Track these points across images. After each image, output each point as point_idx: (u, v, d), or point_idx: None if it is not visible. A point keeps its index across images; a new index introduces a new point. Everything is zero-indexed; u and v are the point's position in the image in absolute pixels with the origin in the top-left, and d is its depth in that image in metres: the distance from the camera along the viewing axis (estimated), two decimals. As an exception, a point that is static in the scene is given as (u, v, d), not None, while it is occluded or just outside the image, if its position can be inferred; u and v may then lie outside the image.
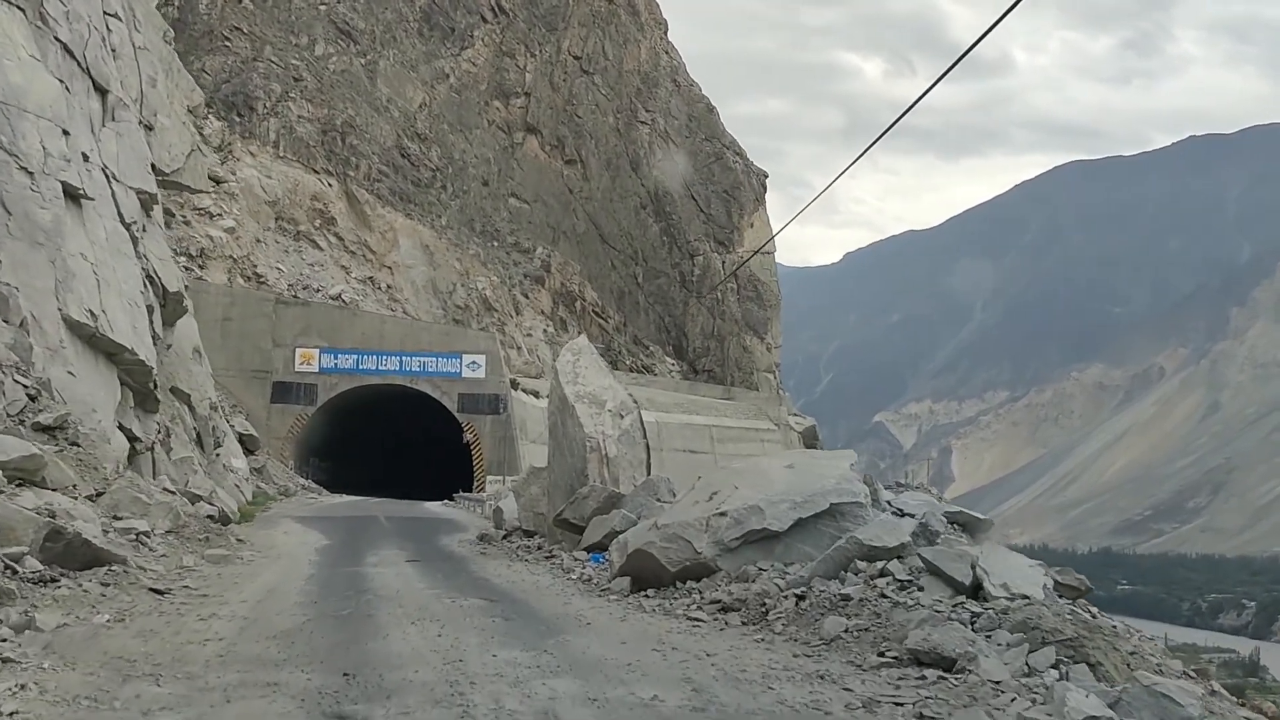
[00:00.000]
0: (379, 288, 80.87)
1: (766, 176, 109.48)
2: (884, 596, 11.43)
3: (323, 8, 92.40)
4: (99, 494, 15.04)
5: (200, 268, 66.52)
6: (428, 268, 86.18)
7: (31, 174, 20.51)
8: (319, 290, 71.50)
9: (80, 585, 11.54)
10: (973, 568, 11.27)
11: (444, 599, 13.46)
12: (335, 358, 56.49)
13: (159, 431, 23.85)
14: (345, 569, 16.83)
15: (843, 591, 11.65)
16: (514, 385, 61.11)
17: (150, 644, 9.63)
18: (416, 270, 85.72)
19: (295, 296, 63.42)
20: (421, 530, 27.45)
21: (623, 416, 18.33)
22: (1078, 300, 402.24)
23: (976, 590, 11.11)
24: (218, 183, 74.42)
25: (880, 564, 11.98)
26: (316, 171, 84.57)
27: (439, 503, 49.65)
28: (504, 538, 22.52)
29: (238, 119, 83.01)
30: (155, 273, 23.91)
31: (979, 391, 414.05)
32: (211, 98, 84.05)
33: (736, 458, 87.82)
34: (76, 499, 14.10)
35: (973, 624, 10.33)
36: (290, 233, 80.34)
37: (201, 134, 79.38)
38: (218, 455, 36.22)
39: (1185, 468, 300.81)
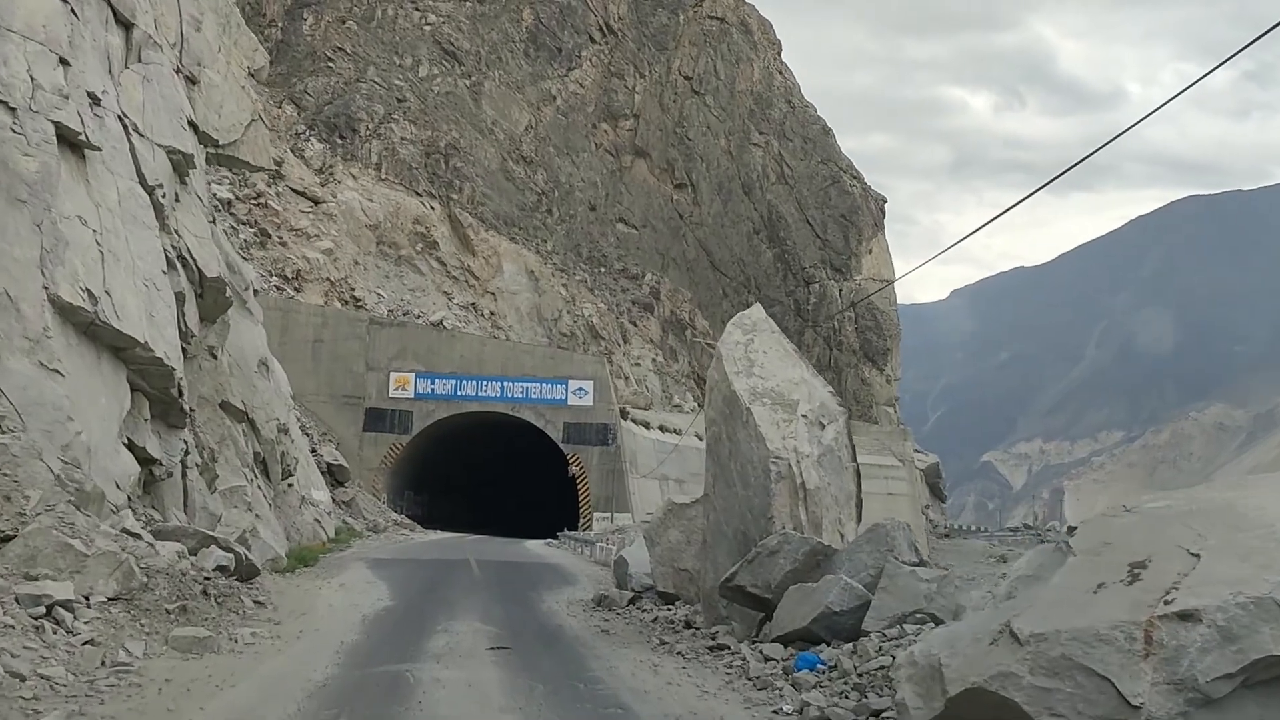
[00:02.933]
0: (481, 314, 76.11)
1: (885, 202, 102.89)
2: None
3: (427, 28, 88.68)
4: (5, 539, 9.70)
5: (296, 290, 62.28)
6: (532, 294, 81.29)
7: (13, 110, 15.40)
8: (419, 316, 66.87)
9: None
10: None
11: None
12: (432, 383, 51.40)
13: (188, 452, 18.52)
14: (388, 667, 10.99)
15: None
16: (623, 414, 55.46)
17: None
18: (521, 296, 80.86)
19: (389, 313, 58.73)
20: (519, 582, 21.70)
21: (823, 425, 12.03)
22: (1196, 338, 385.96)
23: None
24: (316, 203, 70.48)
25: None
26: (419, 194, 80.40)
27: (541, 542, 44.07)
28: (631, 602, 16.63)
29: (339, 141, 79.26)
30: (189, 253, 18.73)
31: (1092, 431, 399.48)
32: (313, 120, 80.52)
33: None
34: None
35: None
36: (391, 257, 76.12)
37: (303, 156, 75.86)
38: (290, 486, 31.05)
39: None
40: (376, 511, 47.87)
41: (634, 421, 57.78)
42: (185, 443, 18.19)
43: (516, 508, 59.06)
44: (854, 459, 12.38)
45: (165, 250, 18.09)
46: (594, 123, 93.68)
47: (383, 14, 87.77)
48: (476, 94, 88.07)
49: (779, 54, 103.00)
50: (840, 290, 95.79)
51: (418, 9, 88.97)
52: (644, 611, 15.70)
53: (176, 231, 18.70)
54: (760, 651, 10.77)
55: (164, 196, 17.93)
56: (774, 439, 11.50)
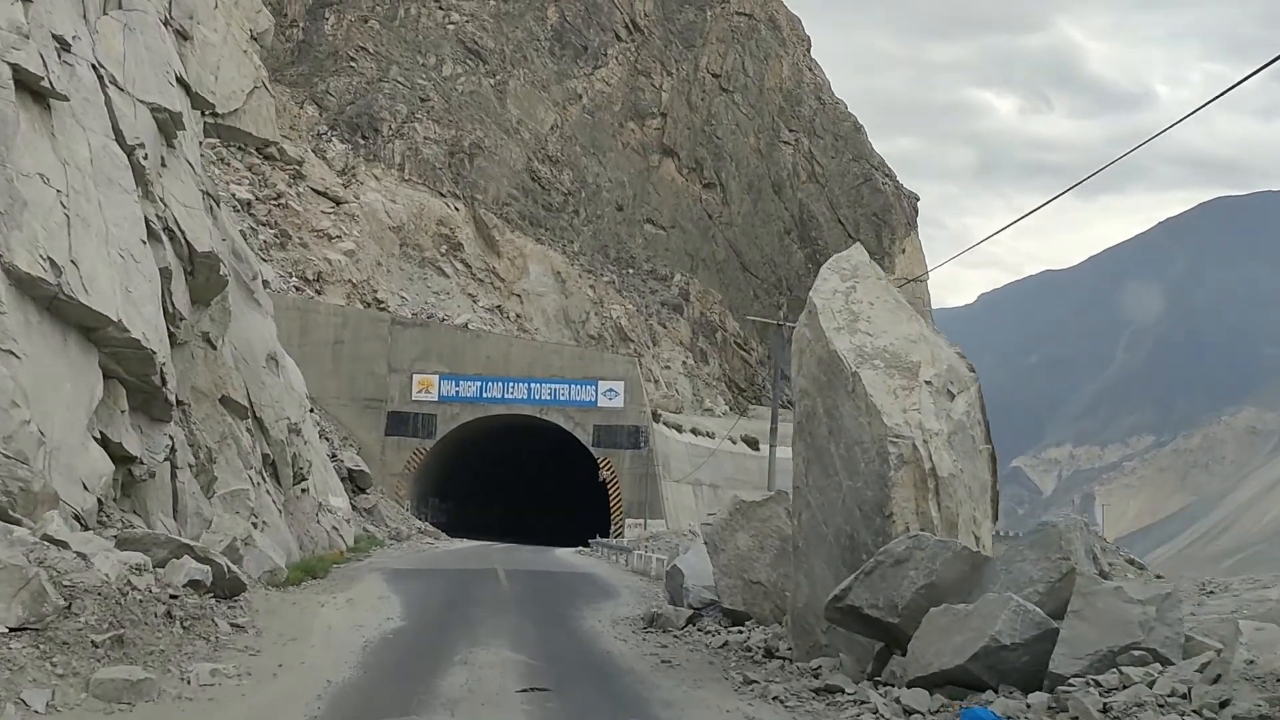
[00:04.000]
0: (507, 317, 73.77)
1: (918, 200, 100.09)
2: None
3: (451, 27, 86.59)
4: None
5: (317, 292, 60.09)
6: (559, 295, 78.92)
7: (-41, 47, 13.14)
8: (444, 319, 64.59)
9: None
10: None
11: None
12: (456, 385, 49.06)
13: (174, 450, 16.19)
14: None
15: None
16: (655, 417, 52.96)
17: None
18: (547, 298, 78.52)
19: (412, 316, 56.46)
20: (552, 596, 19.17)
21: (952, 395, 9.27)
22: (1227, 340, 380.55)
23: None
24: (338, 203, 68.38)
25: None
26: (443, 195, 78.22)
27: (572, 550, 41.61)
28: (690, 622, 13.84)
29: (362, 141, 77.20)
30: (176, 224, 16.41)
31: (1123, 436, 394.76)
32: (335, 120, 78.48)
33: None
34: None
35: None
36: (415, 259, 73.94)
37: (325, 156, 73.87)
38: (304, 491, 28.73)
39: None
40: (399, 519, 45.57)
41: (665, 424, 55.30)
42: (172, 439, 15.84)
43: (545, 514, 56.72)
44: (989, 439, 9.57)
45: (148, 219, 15.77)
46: (621, 122, 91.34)
47: (405, 13, 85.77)
48: (501, 93, 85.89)
49: (808, 50, 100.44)
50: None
51: (441, 8, 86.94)
52: (707, 634, 13.03)
53: (162, 200, 16.38)
54: (896, 700, 7.86)
55: (146, 158, 15.61)
56: (892, 412, 8.65)
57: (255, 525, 20.98)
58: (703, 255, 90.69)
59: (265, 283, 27.09)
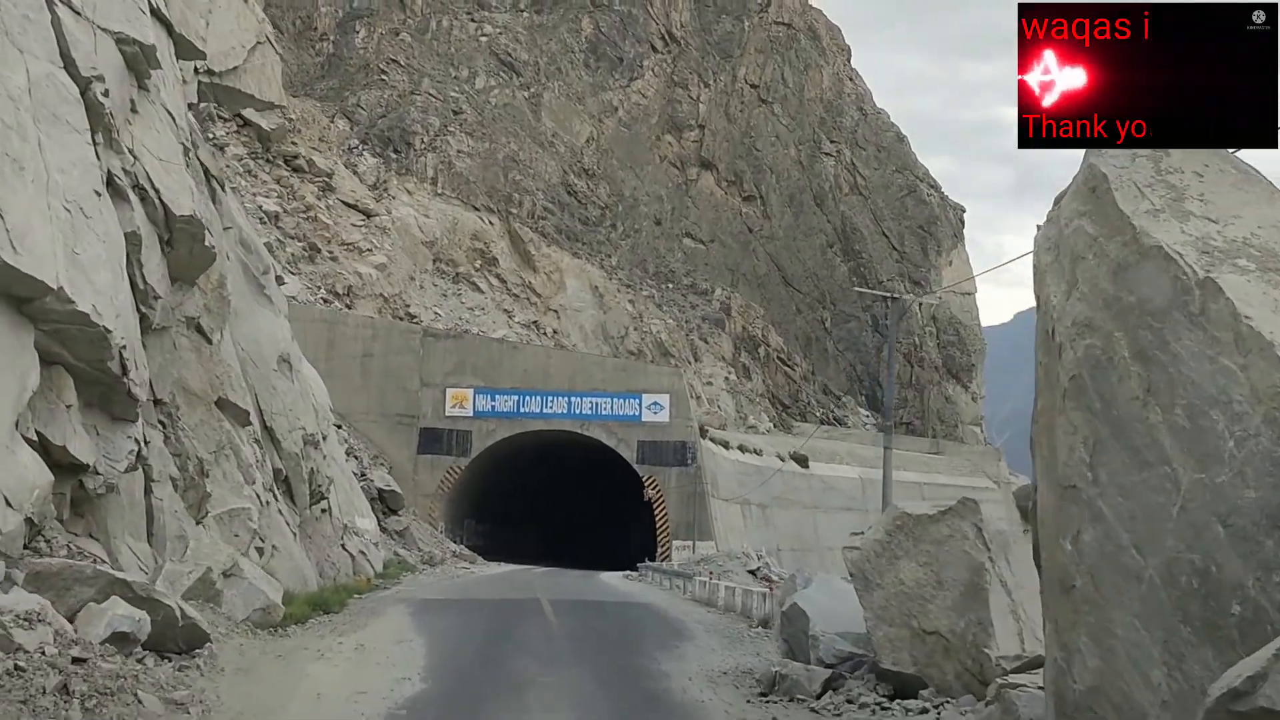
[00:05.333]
0: (544, 333, 70.52)
1: (964, 212, 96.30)
2: None
3: (484, 39, 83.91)
4: None
5: (347, 306, 57.07)
6: (597, 311, 75.68)
7: None
8: (479, 335, 61.45)
9: None
10: None
11: None
12: (492, 399, 45.79)
13: (142, 457, 12.90)
14: None
15: None
16: (701, 432, 49.43)
17: None
18: (585, 314, 75.29)
19: (444, 328, 53.31)
20: (614, 636, 15.56)
21: None
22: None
23: None
24: (368, 216, 65.51)
25: None
26: (477, 209, 75.28)
27: (619, 574, 38.12)
28: (829, 687, 9.96)
29: (394, 155, 74.45)
30: (149, 181, 13.21)
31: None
32: (366, 134, 75.76)
33: (953, 521, 73.50)
34: None
35: None
36: (448, 274, 70.95)
37: (356, 171, 71.08)
38: (323, 512, 25.45)
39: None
40: (433, 542, 42.28)
41: (712, 440, 51.74)
42: (140, 444, 12.55)
43: (587, 536, 53.25)
44: None
45: (112, 173, 12.55)
46: (658, 134, 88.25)
47: (437, 25, 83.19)
48: (535, 106, 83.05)
49: (848, 60, 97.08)
50: (920, 305, 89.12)
51: (473, 20, 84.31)
52: (864, 708, 9.21)
53: (131, 151, 13.15)
54: None
55: (107, 95, 12.39)
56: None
57: (260, 550, 17.73)
58: (743, 270, 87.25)
59: (279, 279, 23.90)
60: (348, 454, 41.61)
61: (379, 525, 37.84)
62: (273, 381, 21.37)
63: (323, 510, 25.09)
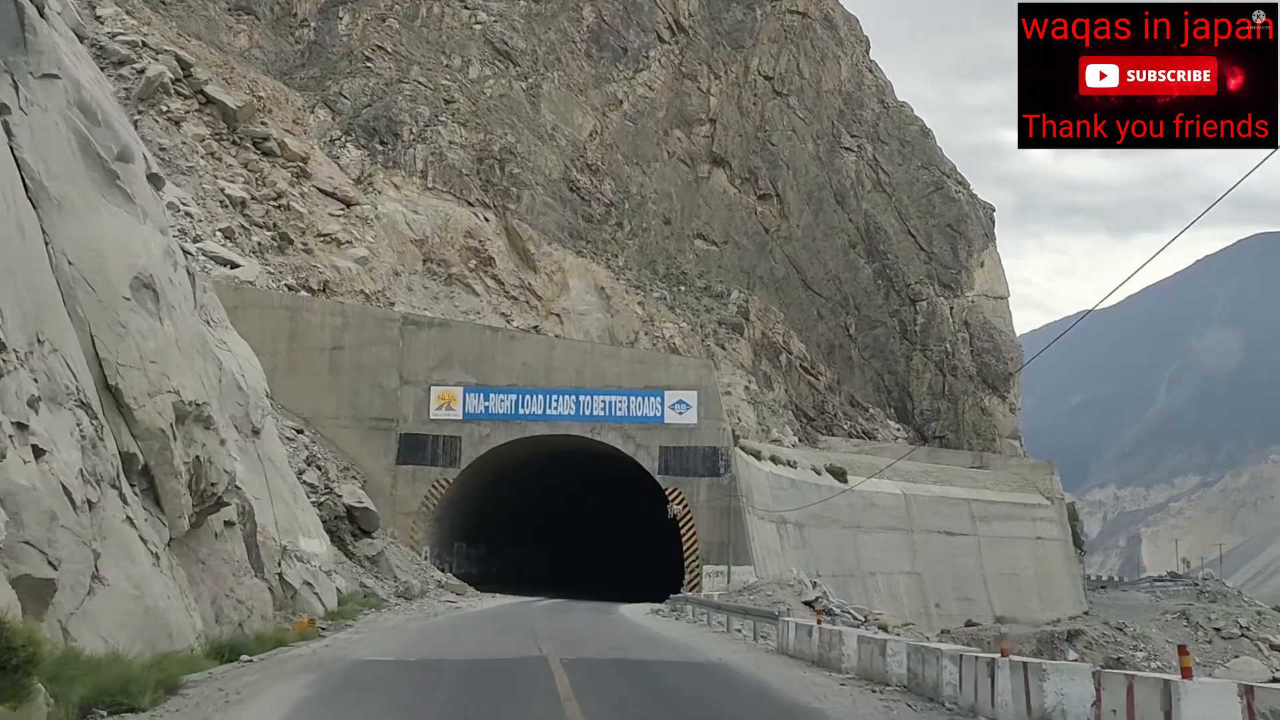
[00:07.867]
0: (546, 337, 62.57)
1: (994, 210, 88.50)
2: None
3: (478, 27, 76.33)
4: None
5: (323, 304, 48.99)
6: (604, 314, 67.70)
7: None
8: (469, 321, 53.39)
9: None
10: None
11: None
12: (485, 399, 37.66)
13: None
14: None
15: None
16: (734, 438, 41.30)
17: None
18: (590, 317, 67.32)
19: (426, 314, 45.25)
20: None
21: None
22: (1273, 378, 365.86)
23: None
24: (348, 205, 57.59)
25: None
26: (471, 204, 67.46)
27: (644, 609, 29.90)
28: None
29: (380, 147, 66.68)
30: None
31: (1168, 476, 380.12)
32: (350, 124, 68.00)
33: (1005, 540, 65.51)
34: None
35: None
36: (440, 275, 63.09)
37: (338, 163, 63.30)
38: (227, 525, 17.20)
39: None
40: (413, 570, 34.04)
41: (744, 449, 43.57)
42: None
43: (601, 562, 45.11)
44: None
45: None
46: (666, 129, 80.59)
47: (428, 11, 75.66)
48: (534, 97, 75.38)
49: (867, 51, 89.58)
50: (951, 308, 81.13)
51: (466, 6, 76.81)
52: None
53: None
54: None
55: None
56: None
57: (51, 585, 9.59)
58: (759, 273, 79.33)
59: (156, 176, 15.72)
60: (308, 462, 33.49)
61: (341, 549, 29.61)
62: (121, 316, 13.31)
63: (226, 524, 16.87)
